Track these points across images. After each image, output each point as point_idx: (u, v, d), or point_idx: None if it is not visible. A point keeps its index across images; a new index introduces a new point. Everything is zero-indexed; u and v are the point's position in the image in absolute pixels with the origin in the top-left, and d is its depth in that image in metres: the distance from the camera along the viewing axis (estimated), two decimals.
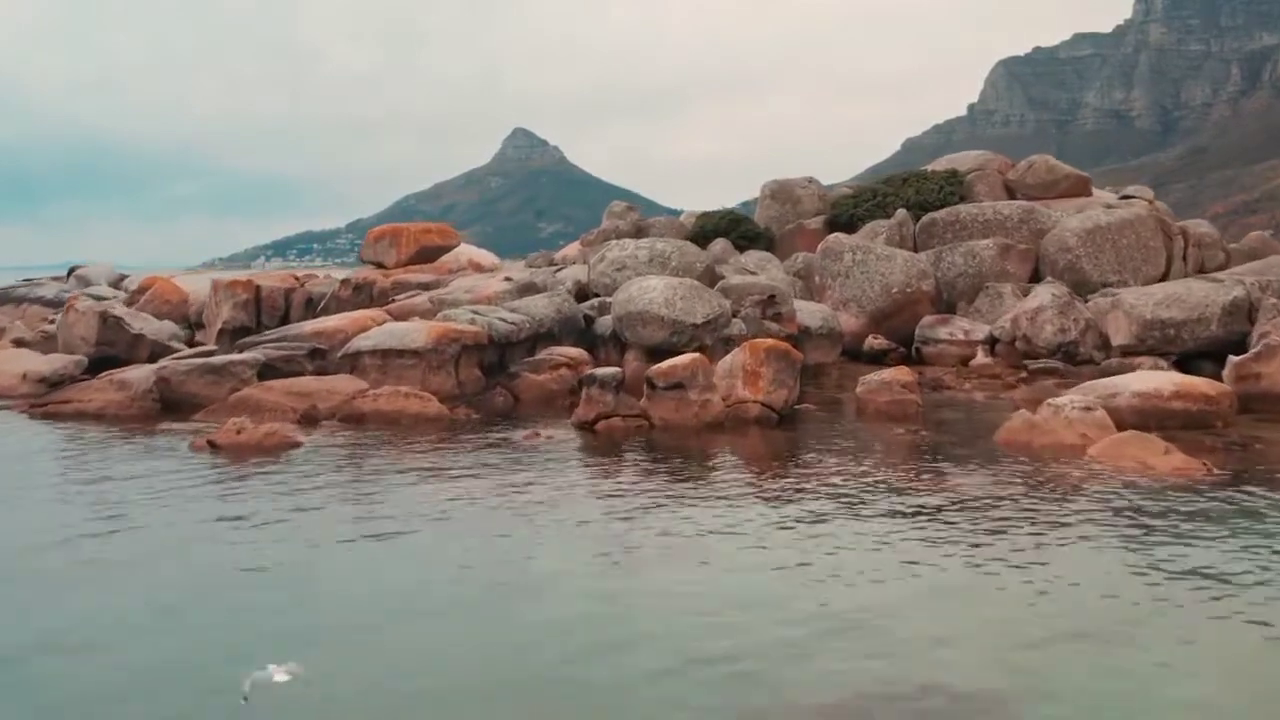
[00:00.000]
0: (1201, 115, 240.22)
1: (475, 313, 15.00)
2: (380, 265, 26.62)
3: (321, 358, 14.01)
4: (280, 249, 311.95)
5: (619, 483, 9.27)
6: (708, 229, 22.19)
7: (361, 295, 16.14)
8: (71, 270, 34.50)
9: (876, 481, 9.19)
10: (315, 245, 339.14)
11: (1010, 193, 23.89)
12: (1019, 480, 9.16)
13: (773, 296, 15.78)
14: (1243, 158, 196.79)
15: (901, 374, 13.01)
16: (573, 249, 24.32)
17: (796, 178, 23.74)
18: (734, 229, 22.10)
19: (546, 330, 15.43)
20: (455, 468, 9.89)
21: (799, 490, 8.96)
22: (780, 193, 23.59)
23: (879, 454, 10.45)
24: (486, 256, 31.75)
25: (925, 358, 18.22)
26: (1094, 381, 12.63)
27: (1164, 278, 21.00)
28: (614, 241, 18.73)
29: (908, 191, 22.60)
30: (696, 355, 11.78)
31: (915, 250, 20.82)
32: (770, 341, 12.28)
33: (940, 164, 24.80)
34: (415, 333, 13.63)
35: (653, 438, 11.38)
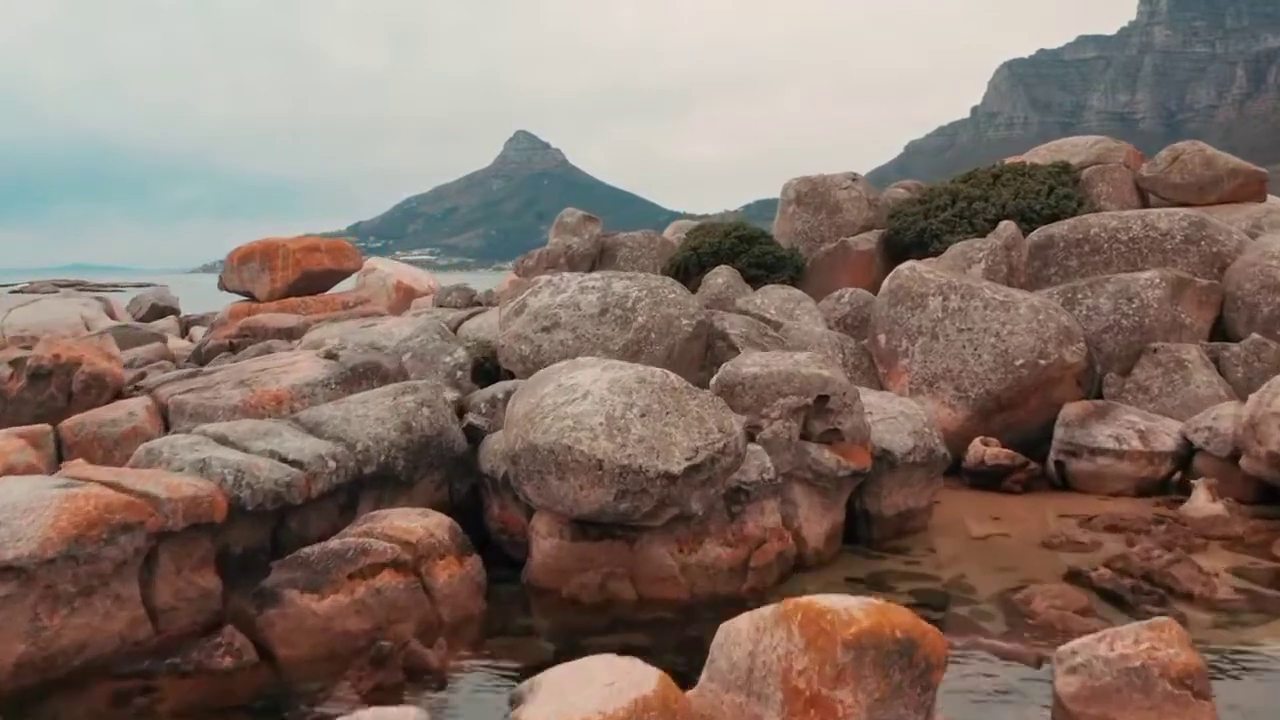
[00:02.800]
0: (1206, 118, 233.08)
1: (225, 442, 7.11)
2: (251, 298, 18.76)
3: None
4: None
5: None
6: (704, 251, 14.27)
7: (42, 391, 8.12)
8: None
9: None
10: None
11: (1143, 195, 16.06)
12: None
13: (824, 399, 7.88)
14: (1250, 161, 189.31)
15: (1168, 636, 5.08)
16: (508, 281, 16.34)
17: (835, 174, 15.80)
18: (744, 250, 14.15)
19: (381, 469, 7.55)
20: None
21: None
22: (811, 196, 15.62)
23: None
24: (420, 278, 23.98)
25: (1073, 479, 10.39)
26: None
27: None
28: (544, 279, 10.81)
29: (1002, 194, 14.67)
30: (652, 690, 3.86)
31: (1025, 286, 13.01)
32: (865, 616, 4.26)
33: (1038, 154, 16.82)
34: (24, 517, 5.72)
35: None
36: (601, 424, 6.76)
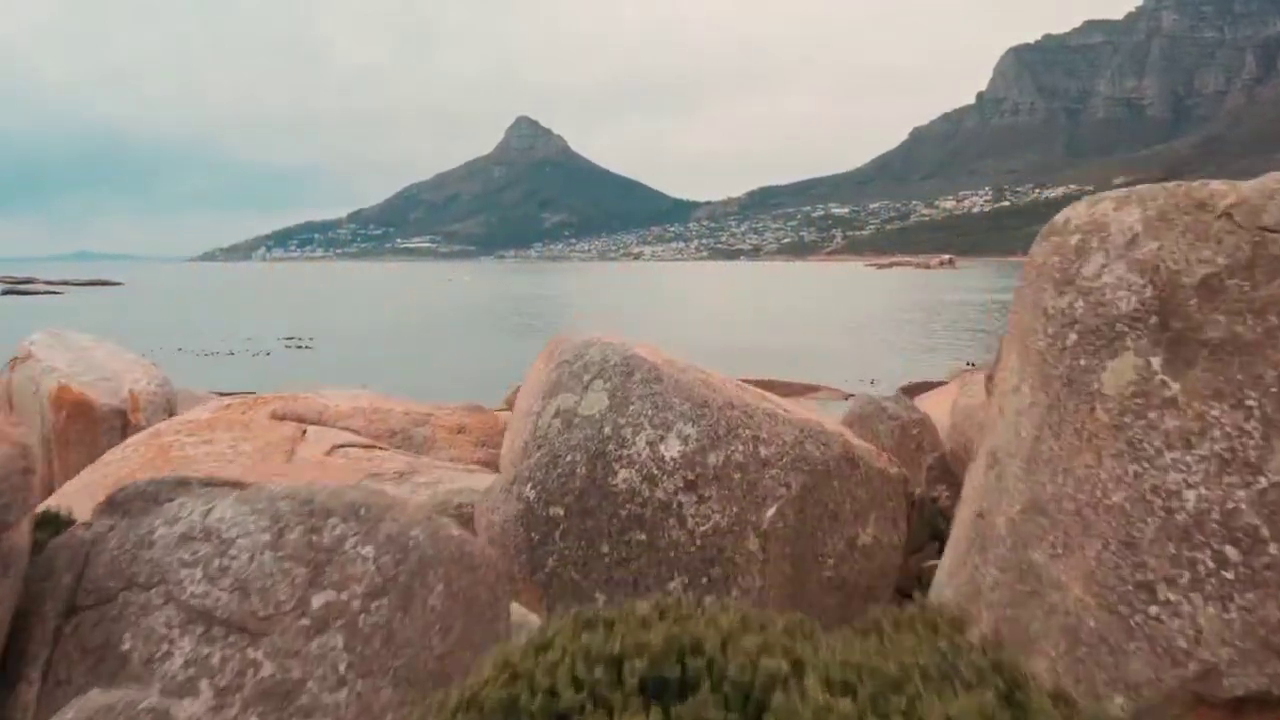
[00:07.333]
0: (1215, 103, 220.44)
1: None
2: None
3: None
4: (281, 239, 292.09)
5: None
6: None
7: None
8: None
9: None
10: (316, 235, 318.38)
11: None
12: None
13: None
14: (1260, 147, 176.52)
15: None
16: None
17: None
18: None
19: None
20: None
21: None
22: (1203, 230, 3.48)
23: None
24: (123, 373, 11.77)
25: None
26: None
27: None
28: None
29: None
30: None
31: None
32: None
33: None
34: None
35: None
36: None
